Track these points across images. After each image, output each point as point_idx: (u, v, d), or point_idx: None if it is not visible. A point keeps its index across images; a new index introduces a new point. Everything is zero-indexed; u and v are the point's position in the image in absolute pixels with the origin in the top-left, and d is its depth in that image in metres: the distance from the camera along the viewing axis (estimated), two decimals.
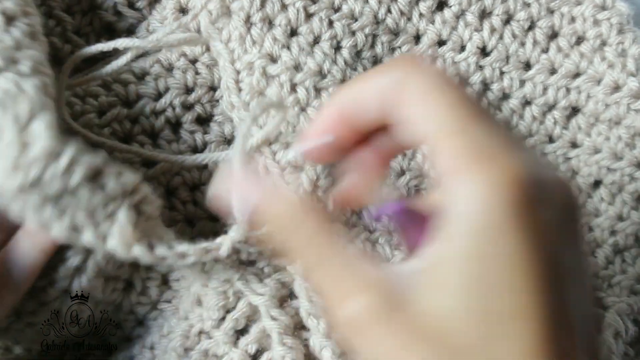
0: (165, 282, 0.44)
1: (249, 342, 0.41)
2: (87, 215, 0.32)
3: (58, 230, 0.32)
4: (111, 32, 0.49)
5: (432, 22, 0.49)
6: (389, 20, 0.48)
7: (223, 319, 0.41)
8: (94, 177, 0.32)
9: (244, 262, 0.41)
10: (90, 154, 0.33)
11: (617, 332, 0.44)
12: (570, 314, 0.26)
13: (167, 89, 0.46)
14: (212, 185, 0.35)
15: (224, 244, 0.37)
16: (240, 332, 0.41)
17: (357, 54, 0.48)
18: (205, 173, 0.46)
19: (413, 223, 0.30)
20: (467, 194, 0.25)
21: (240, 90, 0.45)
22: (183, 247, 0.36)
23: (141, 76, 0.46)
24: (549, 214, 0.26)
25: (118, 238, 0.33)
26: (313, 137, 0.32)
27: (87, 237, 0.32)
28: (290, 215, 0.30)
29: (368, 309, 0.27)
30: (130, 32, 0.49)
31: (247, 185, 0.32)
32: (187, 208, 0.45)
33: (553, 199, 0.26)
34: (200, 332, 0.41)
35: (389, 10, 0.48)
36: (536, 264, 0.25)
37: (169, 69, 0.46)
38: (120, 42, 0.43)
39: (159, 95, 0.46)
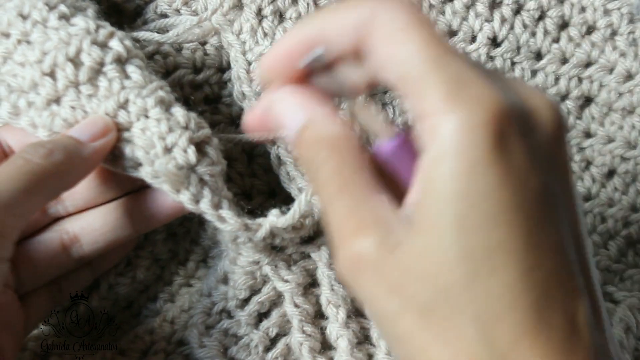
0: (204, 260, 0.46)
1: (270, 326, 0.41)
2: None
3: None
4: (118, 13, 0.49)
5: (442, 13, 0.48)
6: None
7: (247, 300, 0.41)
8: None
9: (276, 247, 0.41)
10: None
11: (628, 326, 0.43)
12: (559, 238, 0.26)
13: (175, 67, 0.46)
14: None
15: (263, 226, 0.38)
16: (263, 315, 0.42)
17: None
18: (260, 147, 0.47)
19: (411, 155, 0.29)
20: (446, 133, 0.25)
21: (251, 80, 0.46)
22: (226, 212, 0.36)
23: (150, 55, 0.46)
24: (535, 141, 0.26)
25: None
26: (278, 55, 0.30)
27: None
28: (318, 148, 0.29)
29: (369, 249, 0.27)
30: (137, 13, 0.49)
31: (298, 102, 0.30)
32: (244, 180, 0.46)
33: (539, 125, 0.27)
34: (222, 311, 0.42)
35: None
36: (517, 196, 0.25)
37: (178, 48, 0.46)
38: (142, 35, 0.44)
39: (167, 74, 0.46)
